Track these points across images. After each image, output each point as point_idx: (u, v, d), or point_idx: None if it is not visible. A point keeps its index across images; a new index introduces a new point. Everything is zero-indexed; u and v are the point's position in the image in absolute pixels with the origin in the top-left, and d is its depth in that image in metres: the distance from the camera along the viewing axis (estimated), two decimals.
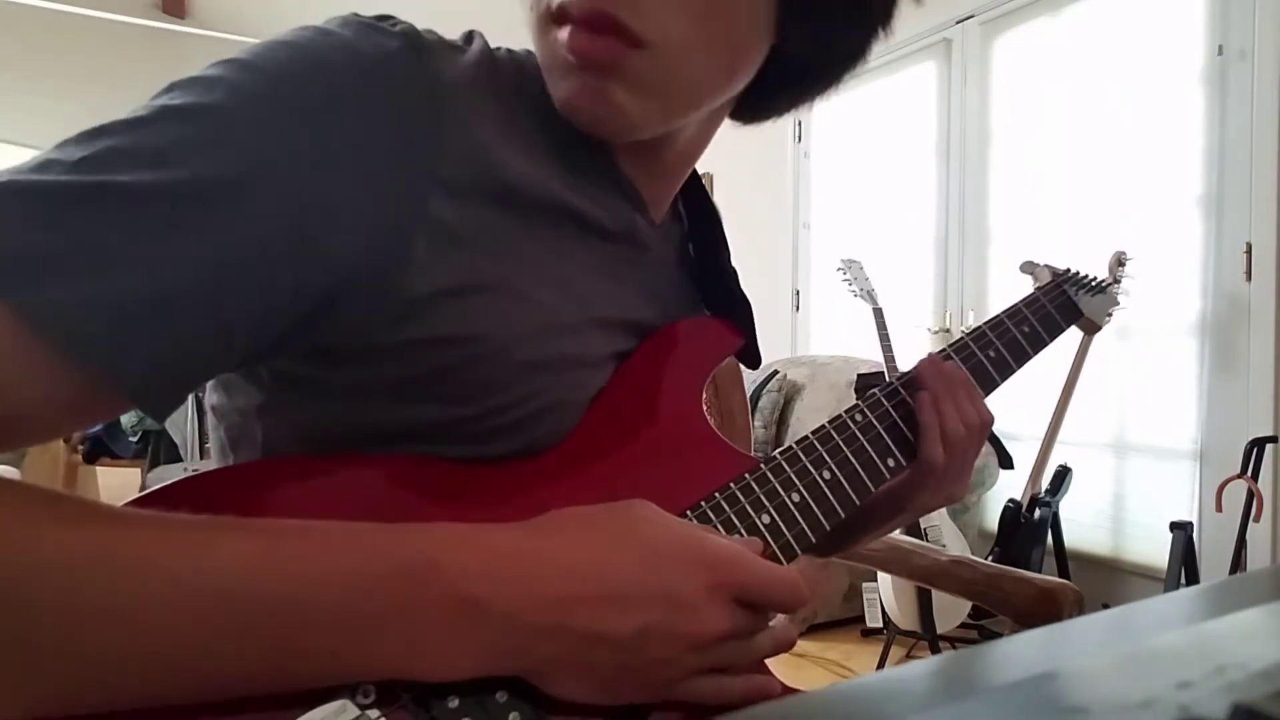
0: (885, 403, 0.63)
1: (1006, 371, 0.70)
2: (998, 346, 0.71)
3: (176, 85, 0.39)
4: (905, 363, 2.49)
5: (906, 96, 3.10)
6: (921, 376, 0.64)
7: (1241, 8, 2.14)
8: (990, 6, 2.79)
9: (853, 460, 0.59)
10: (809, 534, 0.56)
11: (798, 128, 3.56)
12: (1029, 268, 0.83)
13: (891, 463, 0.61)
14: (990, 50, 2.84)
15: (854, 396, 2.67)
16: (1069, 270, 0.81)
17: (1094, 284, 0.82)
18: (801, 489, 0.56)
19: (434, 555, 0.38)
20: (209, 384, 0.51)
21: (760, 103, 0.56)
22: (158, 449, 3.51)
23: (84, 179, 0.35)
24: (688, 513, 0.52)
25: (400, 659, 0.37)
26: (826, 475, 0.58)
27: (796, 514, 0.56)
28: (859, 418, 0.61)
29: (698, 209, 0.64)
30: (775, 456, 0.57)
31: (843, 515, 0.58)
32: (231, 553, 0.35)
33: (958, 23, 2.91)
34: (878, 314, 2.47)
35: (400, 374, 0.44)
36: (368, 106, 0.41)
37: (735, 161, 3.66)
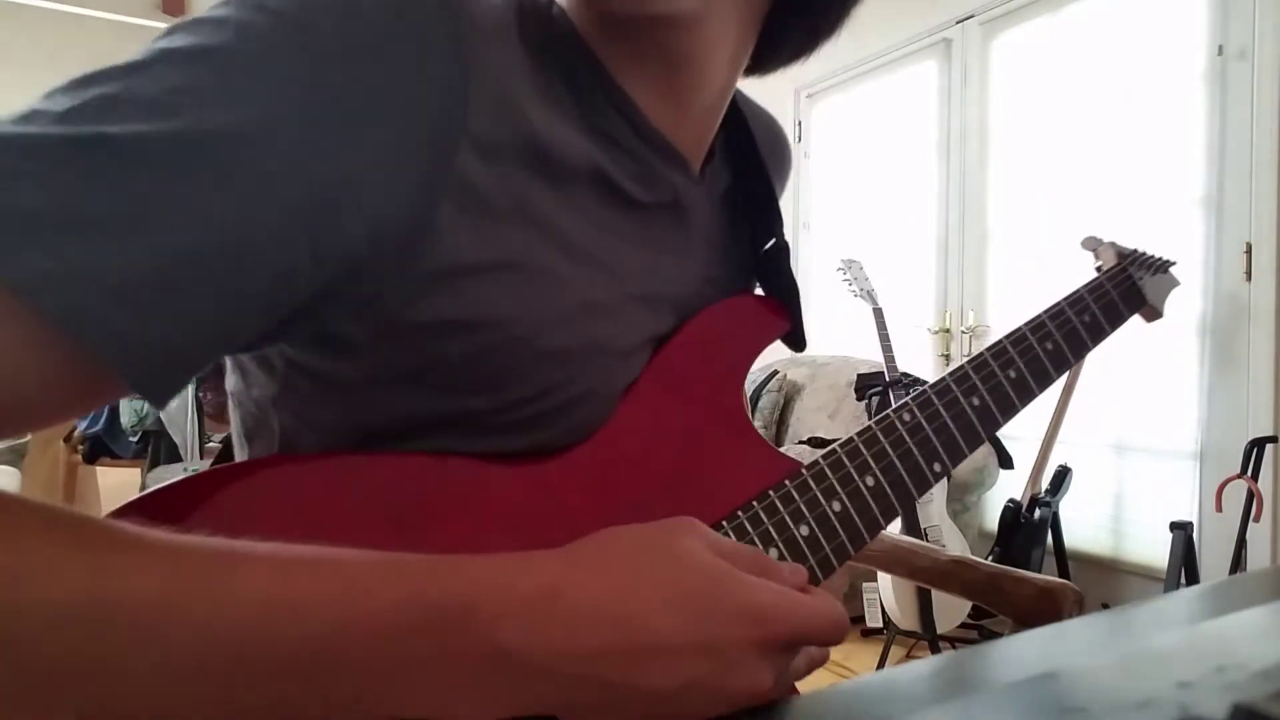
0: (935, 401, 0.59)
1: (1064, 366, 0.65)
2: (1057, 338, 0.65)
3: (179, 27, 0.35)
4: (905, 363, 2.49)
5: (906, 96, 3.10)
6: None
7: (1241, 8, 2.14)
8: (990, 6, 2.79)
9: (899, 465, 0.56)
10: (849, 546, 0.53)
11: (798, 128, 3.56)
12: (1092, 244, 0.75)
13: (938, 467, 0.57)
14: (990, 50, 2.84)
15: (854, 396, 2.66)
16: (1136, 250, 0.74)
17: (1157, 263, 0.74)
18: (844, 497, 0.53)
19: (467, 601, 0.34)
20: (227, 366, 0.49)
21: (771, 42, 0.53)
22: (158, 449, 3.51)
23: (72, 130, 0.31)
24: (724, 524, 0.49)
25: (427, 707, 0.34)
26: (870, 482, 0.54)
27: (838, 525, 0.52)
28: (907, 418, 0.57)
29: (744, 162, 0.58)
30: (818, 461, 0.54)
31: (884, 525, 0.55)
32: (247, 593, 0.32)
33: (958, 23, 2.91)
34: (878, 314, 2.47)
35: (416, 362, 0.42)
36: (391, 50, 0.37)
37: None
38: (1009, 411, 0.62)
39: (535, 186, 0.43)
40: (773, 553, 0.50)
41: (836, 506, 0.53)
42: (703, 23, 0.46)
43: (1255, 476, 1.97)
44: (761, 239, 0.59)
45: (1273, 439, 2.02)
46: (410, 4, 0.38)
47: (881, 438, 0.56)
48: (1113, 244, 0.74)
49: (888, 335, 2.44)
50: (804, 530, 0.51)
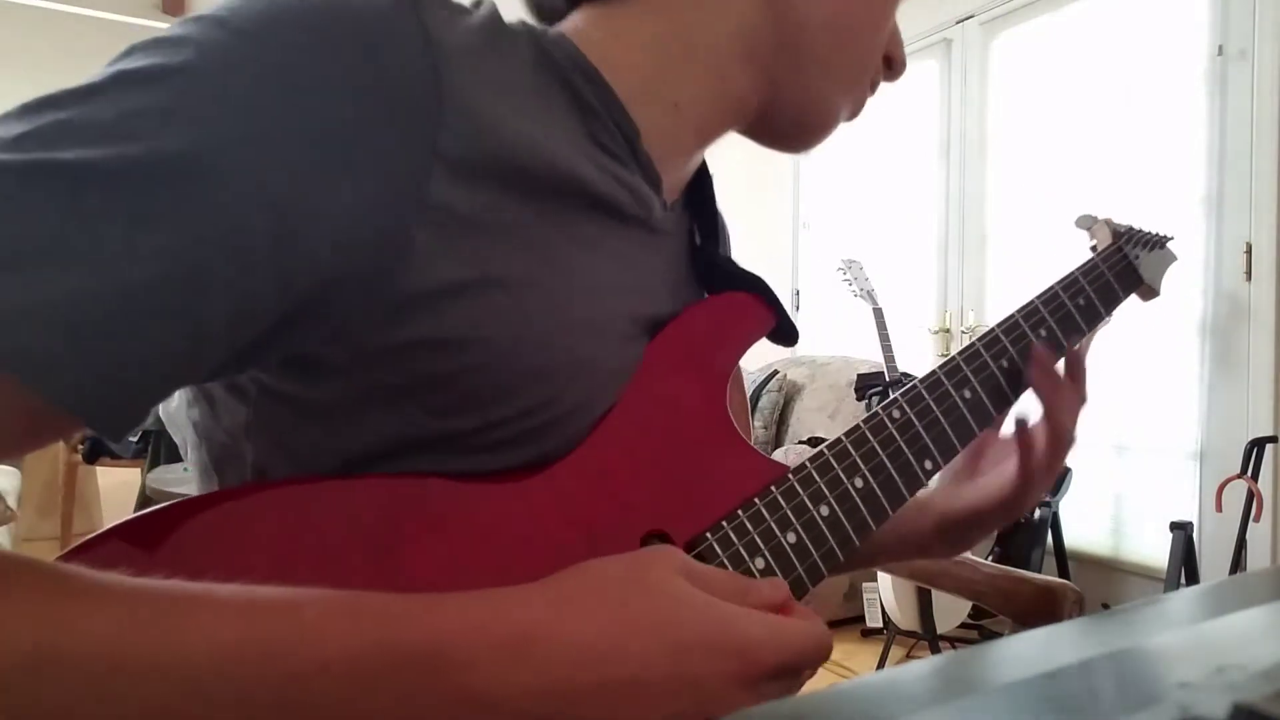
0: (926, 396, 0.57)
1: (1058, 353, 0.63)
2: (1050, 323, 0.63)
3: (138, 47, 0.34)
4: (905, 362, 2.49)
5: (906, 96, 3.10)
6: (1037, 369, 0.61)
7: (1241, 8, 2.14)
8: (990, 6, 2.79)
9: (888, 465, 0.54)
10: (837, 552, 0.51)
11: None
12: (1086, 221, 0.72)
13: (930, 465, 0.56)
14: (990, 50, 2.84)
15: (854, 396, 2.67)
16: (1131, 227, 0.71)
17: (1153, 239, 0.71)
18: (832, 501, 0.52)
19: (436, 646, 0.33)
20: (188, 398, 0.47)
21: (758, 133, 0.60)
22: (158, 449, 3.51)
23: (21, 158, 0.30)
24: (708, 535, 0.48)
25: None
26: (859, 484, 0.53)
27: (826, 531, 0.51)
28: (896, 415, 0.56)
29: (703, 201, 0.60)
30: (805, 465, 0.52)
31: (875, 528, 0.53)
32: (203, 640, 0.30)
33: (958, 23, 2.91)
34: (878, 314, 2.48)
35: (395, 384, 0.41)
36: (356, 72, 0.35)
37: (735, 161, 3.66)
38: (1003, 404, 0.61)
39: (517, 204, 0.42)
40: (759, 562, 0.49)
41: (824, 511, 0.52)
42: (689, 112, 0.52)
43: (1255, 476, 1.97)
44: (717, 258, 0.59)
45: (1273, 439, 2.02)
46: (373, 24, 0.37)
47: (870, 437, 0.54)
48: (1107, 221, 0.71)
49: (888, 335, 2.44)
50: (791, 538, 0.50)
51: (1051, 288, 0.64)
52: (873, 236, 3.26)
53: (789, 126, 0.56)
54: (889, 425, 0.55)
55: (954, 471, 0.68)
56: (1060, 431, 0.61)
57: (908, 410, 0.56)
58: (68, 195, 0.30)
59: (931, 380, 0.58)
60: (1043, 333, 0.62)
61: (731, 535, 0.49)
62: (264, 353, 0.39)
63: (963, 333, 2.90)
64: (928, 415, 0.57)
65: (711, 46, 0.51)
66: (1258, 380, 2.10)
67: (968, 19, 2.87)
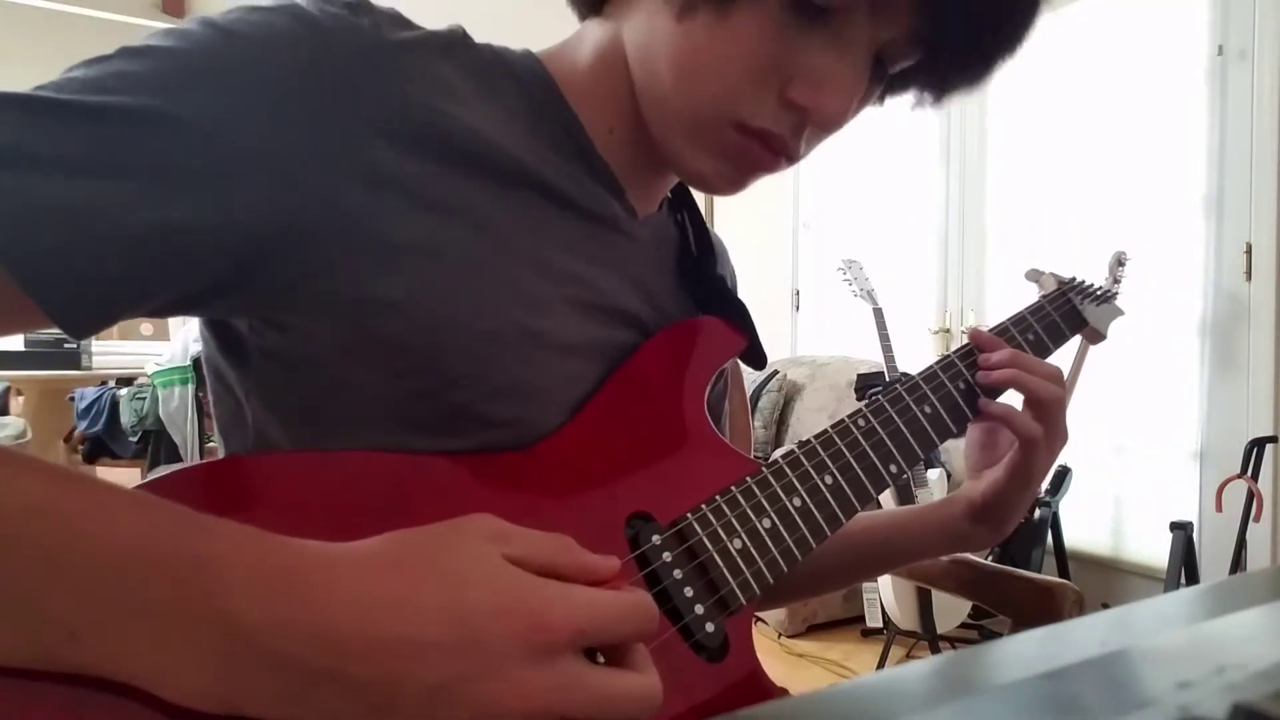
0: (889, 408, 0.62)
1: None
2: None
3: (152, 35, 0.42)
4: (905, 363, 2.49)
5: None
6: (986, 354, 0.66)
7: (1241, 8, 2.14)
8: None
9: (855, 466, 0.59)
10: (809, 539, 0.55)
11: None
12: (1034, 275, 0.82)
13: (894, 468, 0.61)
14: None
15: (854, 396, 2.67)
16: (1074, 279, 0.81)
17: (1099, 293, 0.81)
18: (804, 494, 0.56)
19: (202, 557, 0.32)
20: (209, 374, 0.51)
21: None
22: (158, 449, 3.51)
23: (28, 93, 0.38)
24: (689, 515, 0.51)
25: (142, 666, 0.31)
26: (829, 480, 0.57)
27: (798, 519, 0.55)
28: (862, 423, 0.61)
29: (691, 217, 0.64)
30: (777, 460, 0.56)
31: (844, 521, 0.57)
32: (16, 492, 0.31)
33: None
34: (878, 314, 2.47)
35: (354, 341, 0.44)
36: (302, 55, 0.42)
37: None
38: (961, 421, 0.66)
39: (461, 181, 0.46)
40: (736, 542, 0.52)
41: (797, 502, 0.55)
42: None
43: (1255, 476, 1.97)
44: (707, 275, 0.63)
45: (1273, 439, 2.02)
46: (327, 21, 0.43)
47: (838, 440, 0.59)
48: (1053, 274, 0.81)
49: (888, 335, 2.44)
50: (766, 523, 0.54)
51: (1003, 323, 0.72)
52: (873, 236, 3.26)
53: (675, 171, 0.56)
54: (854, 431, 0.60)
55: (972, 464, 0.71)
56: (1039, 407, 0.65)
57: (871, 419, 0.61)
58: (52, 124, 0.37)
59: (893, 395, 0.63)
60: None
61: (710, 516, 0.52)
62: (228, 297, 0.43)
63: (963, 333, 2.90)
64: (890, 424, 0.62)
65: (621, 74, 0.53)
66: (1258, 380, 2.10)
67: None
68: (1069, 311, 0.76)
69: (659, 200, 0.60)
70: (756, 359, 0.62)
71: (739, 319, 0.61)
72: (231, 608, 0.31)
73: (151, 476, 0.40)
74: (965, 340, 0.70)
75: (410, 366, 0.45)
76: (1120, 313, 0.83)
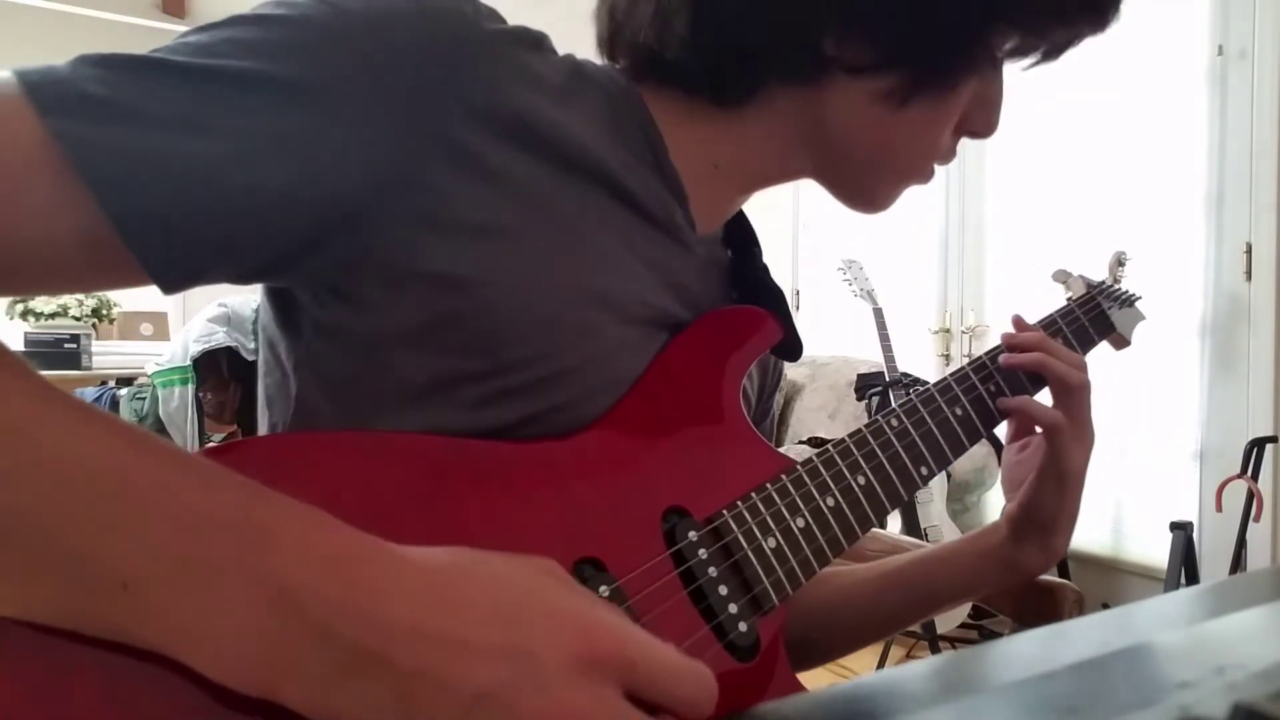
0: (921, 409, 0.62)
1: (1039, 384, 0.67)
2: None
3: (268, 3, 0.43)
4: (905, 362, 2.49)
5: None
6: (1018, 346, 0.66)
7: (1241, 8, 2.14)
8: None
9: (887, 466, 0.58)
10: (841, 540, 0.55)
11: None
12: (1061, 277, 0.79)
13: (925, 471, 0.60)
14: None
15: (854, 396, 2.67)
16: (1103, 282, 0.79)
17: (1125, 296, 0.79)
18: (837, 493, 0.55)
19: (272, 525, 0.32)
20: (261, 342, 0.53)
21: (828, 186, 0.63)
22: None
23: (140, 55, 0.40)
24: (724, 512, 0.51)
25: (185, 627, 0.31)
26: (862, 481, 0.57)
27: (831, 519, 0.55)
28: (895, 422, 0.60)
29: (742, 236, 0.64)
30: (812, 459, 0.56)
31: (875, 522, 0.57)
32: (93, 444, 0.32)
33: None
34: (878, 314, 2.48)
35: (415, 318, 0.45)
36: (406, 34, 0.43)
37: None
38: (991, 422, 0.65)
39: (537, 168, 0.47)
40: (770, 541, 0.52)
41: (830, 501, 0.55)
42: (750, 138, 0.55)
43: (1255, 476, 1.97)
44: (750, 284, 0.63)
45: (1273, 439, 2.02)
46: (435, 9, 0.44)
47: (871, 440, 0.58)
48: (1082, 276, 0.78)
49: (888, 335, 2.44)
50: (800, 522, 0.54)
51: (1037, 324, 0.70)
52: (873, 236, 3.26)
53: (843, 198, 0.60)
54: (888, 431, 0.60)
55: (1007, 482, 0.69)
56: (1065, 394, 0.64)
57: (905, 420, 0.61)
58: (168, 84, 0.39)
59: (926, 396, 0.63)
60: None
61: (745, 514, 0.52)
62: (303, 263, 0.44)
63: (963, 333, 2.90)
64: (923, 426, 0.61)
65: (757, 137, 0.55)
66: (1258, 380, 2.10)
67: None
68: (1098, 316, 0.75)
69: (719, 223, 0.60)
70: (791, 351, 0.62)
71: (777, 309, 0.61)
72: (288, 577, 0.31)
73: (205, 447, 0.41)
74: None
75: (468, 346, 0.46)
76: (1143, 317, 0.80)
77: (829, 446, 0.57)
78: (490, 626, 0.32)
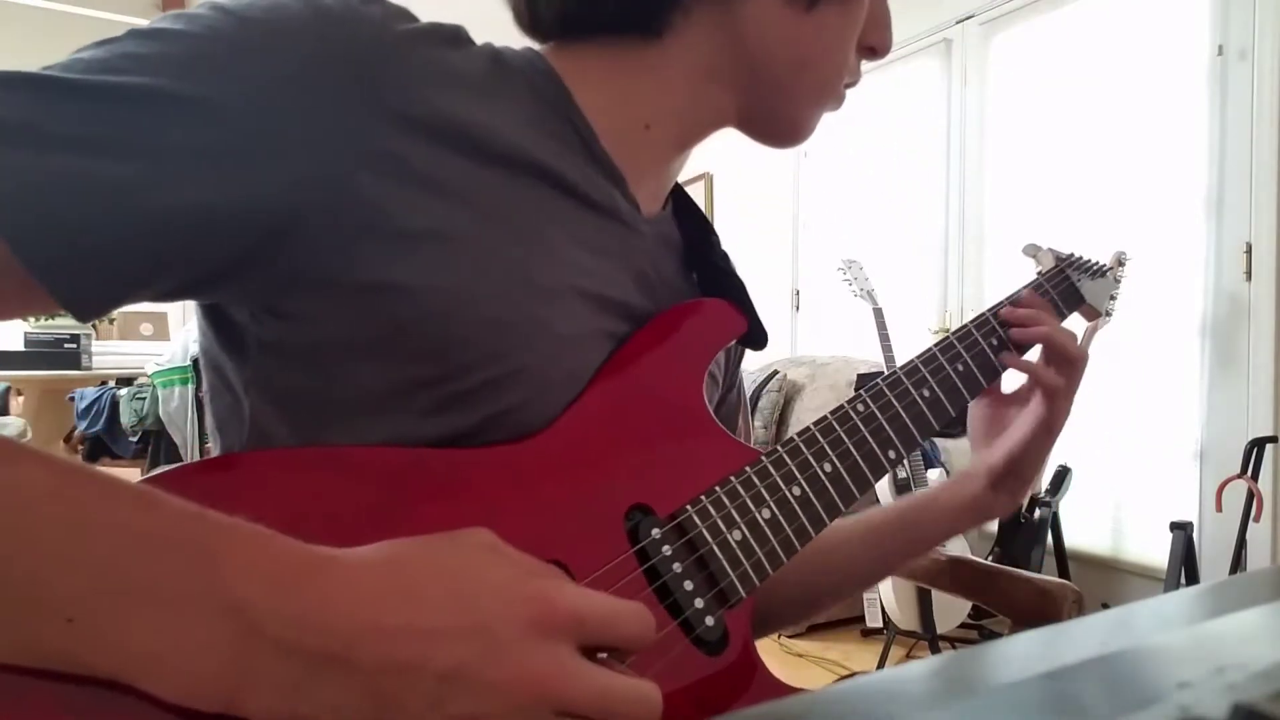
0: (888, 393, 0.62)
1: (1005, 362, 0.69)
2: (1000, 334, 0.69)
3: (165, 15, 0.42)
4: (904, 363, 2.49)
5: (906, 96, 3.10)
6: (1018, 312, 0.68)
7: (1241, 8, 2.14)
8: (990, 6, 2.79)
9: (854, 452, 0.58)
10: (809, 528, 0.55)
11: None
12: (1031, 250, 0.80)
13: (892, 454, 0.60)
14: (990, 50, 2.84)
15: None
16: (1072, 255, 0.79)
17: (1095, 268, 0.79)
18: (802, 482, 0.55)
19: (216, 547, 0.32)
20: (205, 366, 0.52)
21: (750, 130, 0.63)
22: (158, 449, 3.51)
23: (36, 72, 0.38)
24: (688, 507, 0.51)
25: (137, 656, 0.31)
26: (828, 468, 0.57)
27: (797, 508, 0.55)
28: (861, 408, 0.60)
29: (687, 214, 0.64)
30: (777, 449, 0.56)
31: (843, 510, 0.57)
32: (24, 479, 0.31)
33: (958, 22, 2.91)
34: (878, 314, 2.47)
35: (361, 328, 0.44)
36: (318, 43, 0.42)
37: (735, 161, 3.66)
38: (959, 402, 0.66)
39: (469, 167, 0.46)
40: (736, 534, 0.52)
41: (796, 491, 0.55)
42: (659, 76, 0.55)
43: (1255, 476, 1.97)
44: (705, 267, 0.63)
45: (1273, 439, 2.02)
46: (338, 11, 0.43)
47: (837, 427, 0.58)
48: (1050, 249, 0.79)
49: (887, 335, 2.44)
50: (765, 513, 0.53)
51: (1000, 303, 0.71)
52: (873, 236, 3.26)
53: (764, 134, 0.60)
54: (854, 417, 0.60)
55: (979, 437, 0.72)
56: (1065, 362, 0.67)
57: (871, 405, 0.61)
58: (63, 102, 0.37)
59: (892, 379, 0.63)
60: (994, 340, 0.69)
61: (710, 508, 0.52)
62: (233, 282, 0.43)
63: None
64: (889, 410, 0.61)
65: (678, 76, 0.55)
66: (1258, 380, 2.10)
67: (968, 19, 2.87)
68: (1067, 289, 0.75)
69: (662, 200, 0.60)
70: (757, 341, 0.62)
71: (739, 301, 0.61)
72: (239, 594, 0.31)
73: (148, 475, 0.40)
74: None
75: (417, 353, 0.45)
76: (1115, 286, 0.81)
77: (793, 436, 0.57)
78: (444, 611, 0.33)
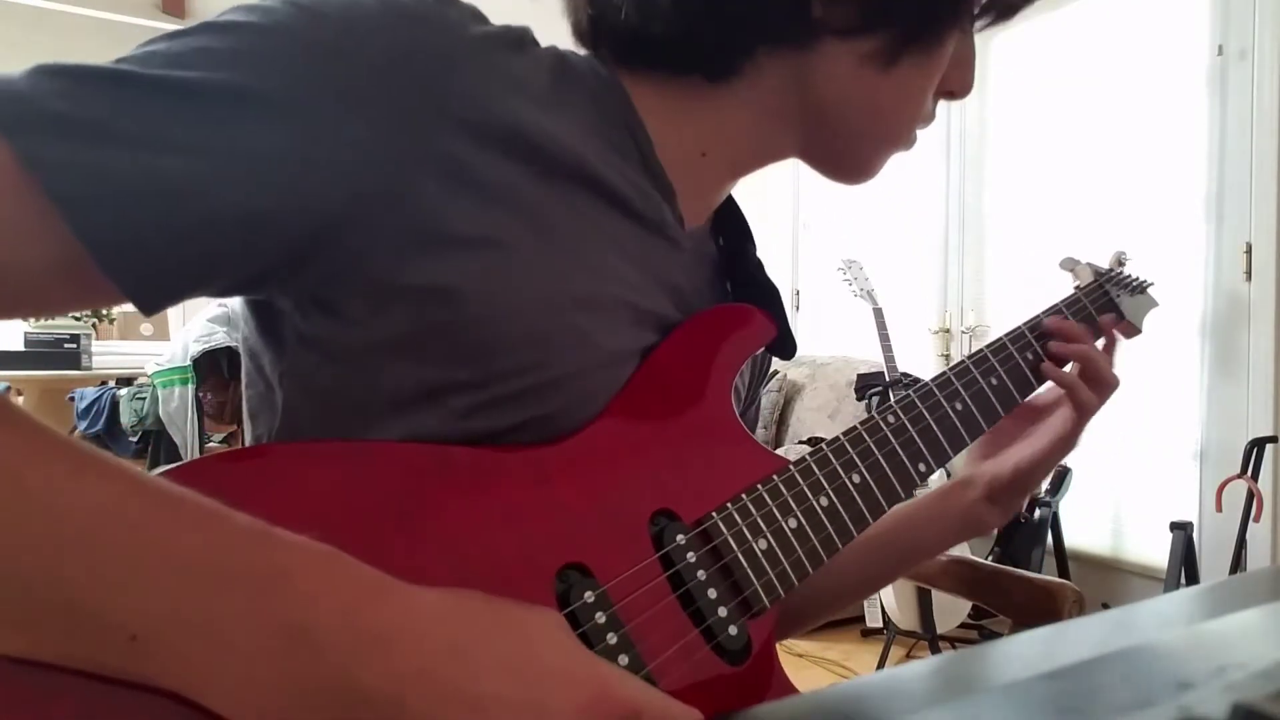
0: (919, 404, 0.61)
1: (1043, 377, 0.68)
2: (1036, 348, 0.67)
3: (231, 9, 0.42)
4: (905, 362, 2.49)
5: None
6: (1053, 330, 0.68)
7: (1241, 8, 2.14)
8: None
9: (884, 465, 0.57)
10: (835, 540, 0.54)
11: None
12: (1069, 264, 0.78)
13: (923, 467, 0.59)
14: (990, 50, 2.84)
15: (854, 396, 2.67)
16: (1111, 270, 0.77)
17: (1134, 283, 0.77)
18: (830, 493, 0.54)
19: (287, 568, 0.32)
20: (243, 352, 0.52)
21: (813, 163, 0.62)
22: (158, 449, 3.51)
23: (111, 67, 0.38)
24: (713, 514, 0.50)
25: (198, 675, 0.31)
26: (856, 479, 0.56)
27: (824, 519, 0.54)
28: (892, 419, 0.59)
29: (729, 220, 0.63)
30: (804, 458, 0.55)
31: (870, 521, 0.56)
32: (90, 492, 0.32)
33: None
34: (878, 314, 2.48)
35: (404, 329, 0.44)
36: (387, 42, 0.41)
37: None
38: (992, 417, 0.64)
39: (526, 177, 0.46)
40: (762, 543, 0.51)
41: (824, 501, 0.54)
42: (731, 111, 0.53)
43: (1255, 476, 1.97)
44: (742, 278, 0.62)
45: (1273, 439, 2.02)
46: (414, 9, 0.43)
47: (867, 437, 0.57)
48: (1090, 264, 0.77)
49: (888, 335, 2.44)
50: (792, 523, 0.53)
51: (1036, 317, 0.69)
52: (873, 236, 3.26)
53: (831, 171, 0.59)
54: (884, 428, 0.58)
55: (985, 445, 0.71)
56: (1100, 384, 0.68)
57: (902, 416, 0.60)
58: (131, 98, 0.37)
59: (924, 391, 0.62)
60: (1029, 355, 0.67)
61: (736, 516, 0.51)
62: (291, 280, 0.43)
63: (963, 332, 2.90)
64: (921, 422, 0.60)
65: (742, 115, 0.54)
66: (1258, 380, 2.10)
67: None
68: (1105, 304, 0.74)
69: (707, 215, 0.59)
70: (785, 349, 0.61)
71: (770, 308, 0.60)
72: (303, 621, 0.32)
73: (168, 466, 0.40)
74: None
75: (457, 357, 0.45)
76: (1155, 304, 0.79)
77: (823, 445, 0.56)
78: (502, 680, 0.33)
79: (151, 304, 0.39)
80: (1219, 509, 2.02)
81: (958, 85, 0.57)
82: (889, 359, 2.41)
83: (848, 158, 0.57)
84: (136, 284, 0.38)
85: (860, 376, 2.61)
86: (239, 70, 0.38)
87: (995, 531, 2.35)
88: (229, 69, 0.38)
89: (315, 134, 0.39)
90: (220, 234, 0.39)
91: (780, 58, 0.51)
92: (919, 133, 0.57)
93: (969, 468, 0.70)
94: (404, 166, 0.42)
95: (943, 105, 0.58)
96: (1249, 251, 2.11)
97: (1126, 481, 2.42)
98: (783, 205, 3.63)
